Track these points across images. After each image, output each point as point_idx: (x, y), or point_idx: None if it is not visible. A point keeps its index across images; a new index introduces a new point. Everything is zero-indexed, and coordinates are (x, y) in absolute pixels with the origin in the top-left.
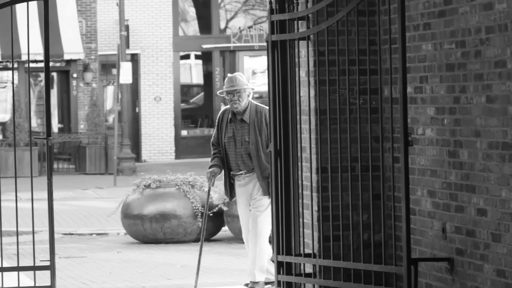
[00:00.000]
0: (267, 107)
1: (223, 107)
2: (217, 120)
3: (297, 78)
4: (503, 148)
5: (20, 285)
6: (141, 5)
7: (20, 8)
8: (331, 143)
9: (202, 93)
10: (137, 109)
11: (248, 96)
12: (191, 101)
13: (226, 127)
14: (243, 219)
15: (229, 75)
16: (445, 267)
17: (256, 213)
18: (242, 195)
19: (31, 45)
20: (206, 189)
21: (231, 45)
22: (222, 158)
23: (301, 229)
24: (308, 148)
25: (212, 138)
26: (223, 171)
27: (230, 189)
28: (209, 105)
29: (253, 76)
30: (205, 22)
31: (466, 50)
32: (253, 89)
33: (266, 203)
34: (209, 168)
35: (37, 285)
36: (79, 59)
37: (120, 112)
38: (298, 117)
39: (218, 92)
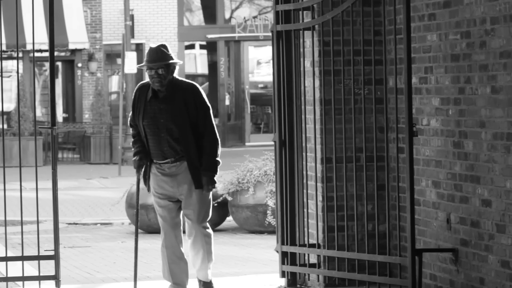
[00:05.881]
0: (195, 83)
1: (139, 84)
2: (133, 99)
3: (302, 68)
4: (508, 139)
5: (25, 275)
6: None
7: None
8: (336, 133)
9: (207, 83)
10: None
11: (173, 71)
12: None
13: (145, 107)
14: (166, 215)
15: (151, 46)
16: (450, 257)
17: (197, 210)
18: (166, 186)
19: (36, 34)
20: (136, 181)
21: (236, 35)
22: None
23: (305, 219)
24: (313, 138)
25: (129, 119)
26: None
27: (149, 178)
28: (214, 95)
29: (258, 66)
30: (210, 12)
31: (471, 41)
32: (179, 63)
33: (205, 196)
34: (134, 155)
35: (41, 274)
36: (84, 49)
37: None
38: (302, 107)
39: (137, 66)
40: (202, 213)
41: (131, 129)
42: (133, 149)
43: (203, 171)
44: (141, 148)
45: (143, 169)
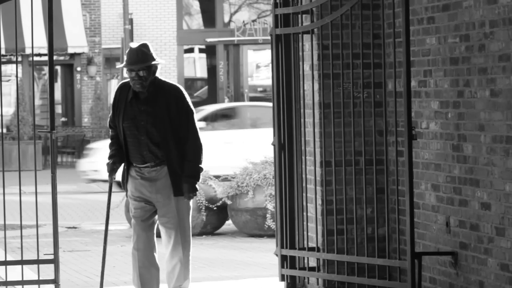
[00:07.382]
0: (178, 85)
1: (120, 83)
2: (113, 99)
3: (301, 72)
4: (507, 142)
5: (24, 279)
6: None
7: (24, 1)
8: (335, 136)
9: (206, 87)
10: None
11: (155, 72)
12: (195, 94)
13: (125, 108)
14: (140, 216)
15: (131, 46)
16: (449, 261)
17: (176, 219)
18: (144, 190)
19: (35, 38)
20: (117, 185)
21: (235, 38)
22: (121, 144)
23: (305, 223)
24: (312, 142)
25: (109, 119)
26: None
27: (127, 181)
28: (213, 99)
29: (257, 69)
30: (209, 15)
31: (470, 44)
32: (161, 63)
33: (185, 204)
34: (109, 158)
35: (41, 278)
36: (83, 53)
37: None
38: (302, 110)
39: (117, 67)
40: (182, 222)
41: (110, 130)
42: (110, 152)
43: (184, 177)
44: (116, 152)
45: (116, 173)
